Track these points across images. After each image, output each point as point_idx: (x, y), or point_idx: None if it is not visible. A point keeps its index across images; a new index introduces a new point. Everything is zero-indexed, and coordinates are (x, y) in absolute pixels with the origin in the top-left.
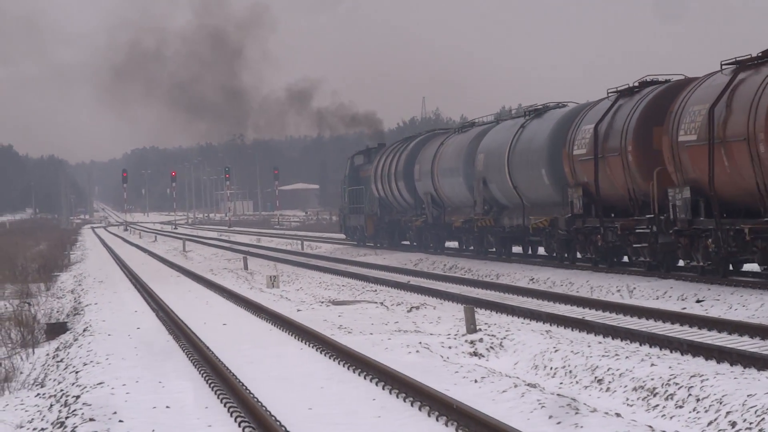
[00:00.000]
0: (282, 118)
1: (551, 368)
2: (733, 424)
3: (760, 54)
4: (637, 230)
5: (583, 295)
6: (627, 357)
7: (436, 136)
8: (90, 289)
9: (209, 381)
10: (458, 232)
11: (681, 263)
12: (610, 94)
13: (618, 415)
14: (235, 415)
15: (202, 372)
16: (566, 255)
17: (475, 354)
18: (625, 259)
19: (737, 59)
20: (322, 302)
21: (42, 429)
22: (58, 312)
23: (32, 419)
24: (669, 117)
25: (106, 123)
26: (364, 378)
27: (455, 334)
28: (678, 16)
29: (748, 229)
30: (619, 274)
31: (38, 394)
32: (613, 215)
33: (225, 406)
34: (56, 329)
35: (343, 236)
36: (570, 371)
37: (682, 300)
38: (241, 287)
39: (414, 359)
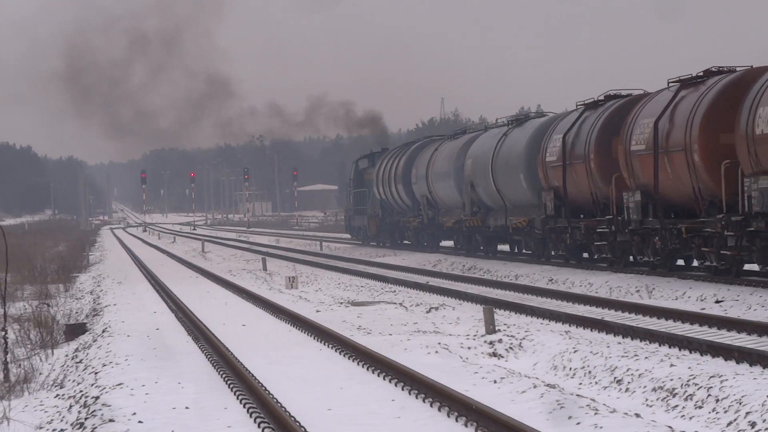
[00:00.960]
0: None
1: (570, 369)
2: (753, 425)
3: (700, 74)
4: (599, 230)
5: (602, 295)
6: (646, 357)
7: (432, 142)
8: (109, 290)
9: (228, 382)
10: (450, 231)
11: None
12: (578, 106)
13: (637, 415)
14: (254, 416)
15: (221, 373)
16: (543, 252)
17: (494, 354)
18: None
19: (680, 78)
20: (341, 303)
21: (62, 430)
22: (77, 313)
23: (51, 420)
24: (624, 128)
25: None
26: (384, 379)
27: (474, 335)
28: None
29: (684, 228)
30: (638, 275)
31: (57, 395)
32: (582, 216)
33: (244, 406)
34: (75, 330)
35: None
36: (589, 372)
37: (701, 300)
38: (260, 288)
39: (433, 360)
